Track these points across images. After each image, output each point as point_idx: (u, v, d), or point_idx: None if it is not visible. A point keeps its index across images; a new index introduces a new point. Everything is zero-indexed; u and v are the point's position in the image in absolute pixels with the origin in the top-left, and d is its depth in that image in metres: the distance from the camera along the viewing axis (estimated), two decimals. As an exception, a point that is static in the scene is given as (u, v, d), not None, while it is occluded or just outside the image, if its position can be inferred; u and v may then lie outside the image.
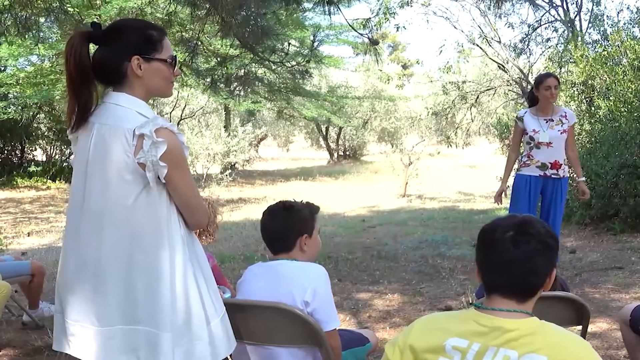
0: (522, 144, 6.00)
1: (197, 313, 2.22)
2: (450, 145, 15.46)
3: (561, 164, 5.82)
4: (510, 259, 1.82)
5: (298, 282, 2.67)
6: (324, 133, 28.71)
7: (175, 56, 2.34)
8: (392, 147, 26.36)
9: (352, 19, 6.83)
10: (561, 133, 5.76)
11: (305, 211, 2.92)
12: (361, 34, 6.37)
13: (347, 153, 29.72)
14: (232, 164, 19.00)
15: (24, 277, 5.33)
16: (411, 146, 17.86)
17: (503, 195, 6.20)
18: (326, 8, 5.52)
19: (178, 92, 17.61)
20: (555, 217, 5.87)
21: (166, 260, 2.16)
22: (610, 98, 9.21)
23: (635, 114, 8.82)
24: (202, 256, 2.33)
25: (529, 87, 12.08)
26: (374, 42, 6.08)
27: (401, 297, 6.00)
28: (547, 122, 5.79)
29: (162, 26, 2.46)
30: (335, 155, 29.11)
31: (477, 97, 13.82)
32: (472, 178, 19.82)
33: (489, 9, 11.77)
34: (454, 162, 22.06)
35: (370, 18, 8.25)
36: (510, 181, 6.30)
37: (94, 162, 2.18)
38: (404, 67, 44.54)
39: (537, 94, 5.80)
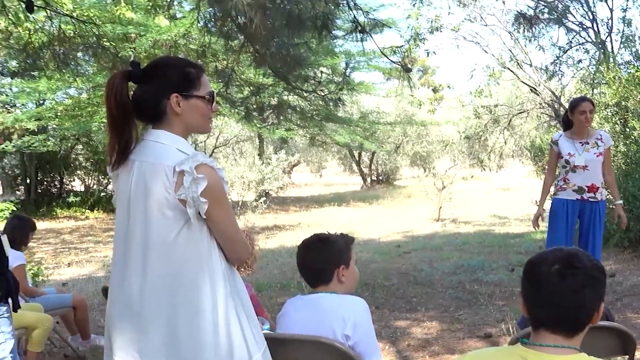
0: (558, 167, 5.95)
1: (240, 348, 2.21)
2: (484, 169, 15.35)
3: (598, 187, 5.74)
4: (557, 293, 1.79)
5: (338, 315, 2.66)
6: (357, 158, 28.75)
7: (214, 92, 2.36)
8: (425, 171, 26.28)
9: (383, 46, 6.88)
10: (597, 156, 5.69)
11: (341, 242, 2.91)
12: (394, 62, 6.39)
13: (380, 178, 29.72)
14: (266, 191, 19.10)
15: (65, 310, 5.47)
16: (444, 170, 17.76)
17: (540, 219, 6.13)
18: (358, 36, 5.58)
19: (213, 121, 17.78)
20: (594, 242, 5.77)
21: (208, 296, 2.16)
22: (646, 119, 9.11)
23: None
24: (243, 290, 2.31)
25: (562, 109, 12.03)
26: (407, 69, 6.11)
27: (439, 324, 5.95)
28: (582, 145, 5.74)
29: (200, 63, 2.50)
30: (369, 180, 29.10)
31: (510, 121, 13.74)
32: (506, 201, 19.63)
33: (520, 32, 11.76)
34: (487, 186, 21.91)
35: (401, 45, 8.30)
36: (548, 205, 6.23)
37: (135, 200, 2.19)
38: (434, 90, 44.48)
39: (572, 117, 5.75)
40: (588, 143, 5.73)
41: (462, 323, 5.93)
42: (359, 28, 5.55)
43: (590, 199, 5.72)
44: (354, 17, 5.54)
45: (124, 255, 2.22)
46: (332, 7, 5.61)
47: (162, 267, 2.16)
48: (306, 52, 6.72)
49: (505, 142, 14.50)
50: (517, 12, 9.11)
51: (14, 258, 5.19)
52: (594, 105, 5.76)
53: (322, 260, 2.84)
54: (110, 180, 19.59)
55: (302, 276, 2.96)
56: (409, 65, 6.84)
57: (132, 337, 2.18)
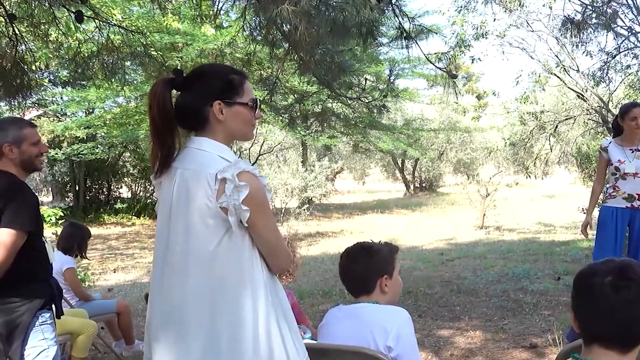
0: (607, 175, 5.83)
1: (280, 358, 2.17)
2: (529, 176, 15.12)
3: None
4: (612, 307, 1.70)
5: (381, 326, 2.61)
6: (400, 165, 28.66)
7: (257, 99, 2.33)
8: (468, 178, 26.05)
9: (427, 53, 6.85)
10: None
11: (385, 251, 2.86)
12: (440, 68, 6.35)
13: (424, 185, 29.59)
14: (309, 198, 19.17)
15: (110, 315, 5.57)
16: (488, 177, 17.59)
17: (588, 228, 6.01)
18: (404, 42, 5.57)
19: (257, 128, 17.97)
20: (645, 252, 5.65)
21: (249, 306, 2.11)
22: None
23: None
24: (284, 300, 2.26)
25: (610, 115, 11.77)
26: (452, 76, 6.06)
27: (483, 333, 5.88)
28: (632, 152, 5.61)
29: (243, 70, 2.51)
30: (412, 187, 28.99)
31: (556, 127, 13.52)
32: (551, 208, 19.35)
33: (567, 37, 11.56)
34: (532, 193, 21.62)
35: (446, 51, 8.25)
36: (596, 213, 6.12)
37: (177, 208, 2.17)
38: (478, 97, 44.04)
39: (622, 124, 5.63)
40: (639, 150, 5.61)
41: (506, 333, 5.85)
42: (405, 34, 5.54)
43: None
44: (400, 23, 5.53)
45: (163, 264, 2.21)
46: (377, 14, 5.61)
47: (203, 276, 2.13)
48: (351, 59, 6.72)
49: (551, 149, 14.25)
50: (565, 16, 8.94)
51: (64, 262, 5.34)
52: (645, 112, 5.63)
53: (365, 269, 2.80)
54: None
55: (345, 285, 2.94)
56: (454, 72, 6.78)
57: (172, 346, 2.17)
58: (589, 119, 12.97)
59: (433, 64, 6.47)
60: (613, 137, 5.86)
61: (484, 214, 15.44)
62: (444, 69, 6.18)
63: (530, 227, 15.21)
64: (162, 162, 2.21)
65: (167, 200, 2.21)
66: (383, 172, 34.85)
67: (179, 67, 2.40)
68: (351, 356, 2.59)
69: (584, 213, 10.48)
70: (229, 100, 2.22)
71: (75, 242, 5.44)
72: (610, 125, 6.18)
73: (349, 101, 8.77)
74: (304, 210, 17.69)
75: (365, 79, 7.85)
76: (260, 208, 2.13)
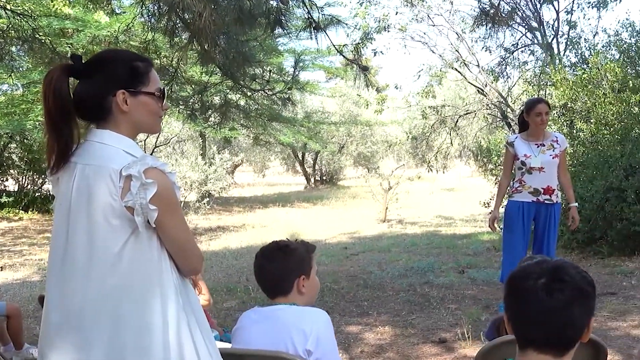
0: (514, 169, 5.89)
1: None
2: (431, 170, 15.39)
3: (554, 190, 5.70)
4: (545, 310, 1.65)
5: (299, 329, 2.49)
6: (300, 158, 28.57)
7: (164, 89, 2.17)
8: (369, 171, 26.31)
9: (328, 45, 6.72)
10: (553, 158, 5.65)
11: (302, 250, 2.73)
12: (351, 61, 6.23)
13: (324, 178, 29.64)
14: (209, 191, 18.78)
15: (-1, 320, 5.13)
16: (390, 170, 17.76)
17: (496, 222, 6.06)
18: (313, 33, 5.40)
19: (162, 120, 17.35)
20: (549, 244, 5.76)
21: (158, 312, 1.97)
22: (591, 121, 9.19)
23: (617, 137, 8.81)
24: (195, 302, 2.14)
25: (509, 110, 12.12)
26: (363, 68, 5.96)
27: (392, 329, 5.82)
28: (538, 146, 5.69)
29: (149, 57, 2.28)
30: (312, 180, 28.97)
31: (457, 121, 13.78)
32: (451, 201, 19.82)
33: (466, 32, 11.81)
34: (431, 186, 22.04)
35: (357, 42, 8.15)
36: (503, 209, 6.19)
37: (77, 206, 1.99)
38: (378, 90, 44.67)
39: (528, 119, 5.70)
40: (544, 145, 5.69)
41: (415, 328, 5.81)
42: (314, 25, 5.36)
43: (546, 201, 5.69)
44: (309, 13, 5.35)
45: (62, 267, 2.01)
46: (283, 4, 5.42)
47: (107, 279, 1.96)
48: (255, 49, 6.50)
49: (452, 143, 14.55)
50: (480, 9, 9.08)
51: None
52: (550, 107, 5.73)
53: (281, 269, 2.66)
54: (45, 180, 19.08)
55: (260, 285, 2.78)
56: (366, 65, 6.68)
57: (71, 355, 1.98)
58: (488, 113, 13.29)
59: (344, 56, 6.37)
60: (519, 132, 5.93)
61: (387, 207, 15.54)
62: (355, 61, 6.05)
63: (432, 220, 15.45)
64: (59, 156, 2.02)
65: (65, 199, 2.03)
66: (283, 165, 34.74)
67: (70, 54, 2.12)
68: (269, 361, 2.44)
69: (486, 207, 10.81)
70: (134, 90, 2.07)
71: None
72: (509, 121, 6.28)
73: (253, 93, 8.50)
74: (204, 204, 17.29)
75: (270, 70, 7.61)
76: (169, 207, 2.00)
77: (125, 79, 2.05)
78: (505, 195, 6.17)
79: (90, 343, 1.95)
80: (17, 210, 18.40)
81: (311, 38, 5.44)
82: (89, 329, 1.96)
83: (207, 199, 17.77)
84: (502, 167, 6.50)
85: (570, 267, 1.72)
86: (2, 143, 19.50)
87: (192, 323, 2.06)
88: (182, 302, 2.04)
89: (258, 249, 2.82)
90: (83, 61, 2.08)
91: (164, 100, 2.17)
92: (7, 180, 21.51)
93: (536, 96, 9.21)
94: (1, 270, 10.59)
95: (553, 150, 5.66)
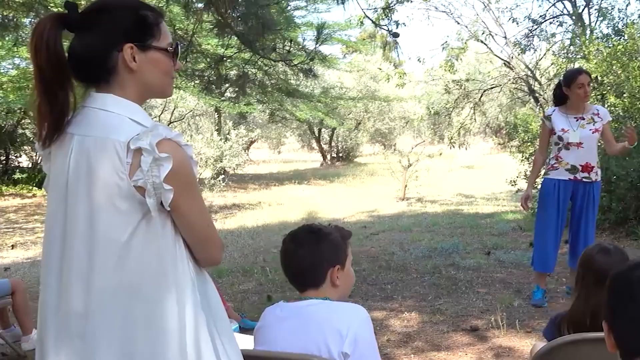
0: (550, 145, 5.50)
1: None
2: (454, 146, 14.96)
3: (593, 167, 5.30)
4: None
5: (334, 328, 2.14)
6: (317, 135, 28.17)
7: (178, 44, 1.85)
8: (385, 148, 25.88)
9: (349, 17, 6.35)
10: (593, 132, 5.26)
11: (336, 236, 2.36)
12: (381, 27, 5.85)
13: (341, 155, 29.21)
14: (224, 168, 18.50)
15: (5, 300, 4.84)
16: (410, 147, 17.34)
17: (528, 200, 5.68)
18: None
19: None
20: (587, 226, 5.37)
21: (173, 312, 1.66)
22: (624, 95, 8.75)
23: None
24: (214, 298, 1.82)
25: (537, 84, 11.67)
26: (394, 35, 5.60)
27: (419, 315, 5.49)
28: (577, 120, 5.30)
29: (158, 7, 1.92)
30: (329, 157, 28.60)
31: (481, 96, 13.32)
32: (471, 179, 19.38)
33: (492, 2, 11.33)
34: (450, 164, 21.61)
35: (386, 8, 7.70)
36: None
37: (75, 186, 1.66)
38: (395, 66, 44.22)
39: (568, 92, 5.29)
40: (584, 119, 5.30)
41: (443, 314, 5.48)
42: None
43: (584, 179, 5.30)
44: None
45: (60, 261, 1.68)
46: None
47: (113, 275, 1.64)
48: (277, 16, 6.15)
49: (475, 119, 14.11)
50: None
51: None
52: (591, 78, 5.32)
53: (313, 256, 2.30)
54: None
55: (287, 276, 2.41)
56: (397, 32, 6.28)
57: None
58: (515, 87, 12.81)
59: (375, 23, 5.96)
60: (555, 106, 5.55)
61: (406, 185, 15.16)
62: (385, 28, 5.68)
63: (452, 199, 15.07)
64: (53, 126, 1.70)
65: (60, 177, 1.71)
66: (299, 142, 34.36)
67: (65, 1, 1.77)
68: (297, 366, 2.11)
69: (513, 185, 10.43)
70: (143, 44, 1.73)
71: None
72: (536, 95, 5.89)
73: (272, 64, 8.12)
74: (219, 181, 17.01)
75: (291, 41, 7.22)
76: (186, 187, 1.69)
77: (133, 30, 1.72)
78: (541, 173, 5.81)
79: (94, 352, 1.65)
80: (31, 187, 18.23)
81: (338, 4, 5.06)
82: (96, 337, 1.65)
83: (223, 175, 17.50)
84: (534, 143, 6.10)
85: None
86: (15, 119, 19.30)
87: (210, 322, 1.76)
88: (201, 299, 1.74)
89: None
90: (79, 10, 1.73)
91: (177, 58, 1.83)
92: (20, 156, 21.37)
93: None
94: (12, 248, 10.38)
95: (594, 124, 5.28)
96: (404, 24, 11.85)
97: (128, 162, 1.61)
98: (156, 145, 1.61)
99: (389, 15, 6.66)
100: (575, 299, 2.66)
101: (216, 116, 22.47)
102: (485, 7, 11.84)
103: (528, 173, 9.69)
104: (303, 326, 2.20)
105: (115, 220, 1.63)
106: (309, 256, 2.31)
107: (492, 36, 12.18)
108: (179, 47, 1.87)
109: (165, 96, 1.92)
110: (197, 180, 1.84)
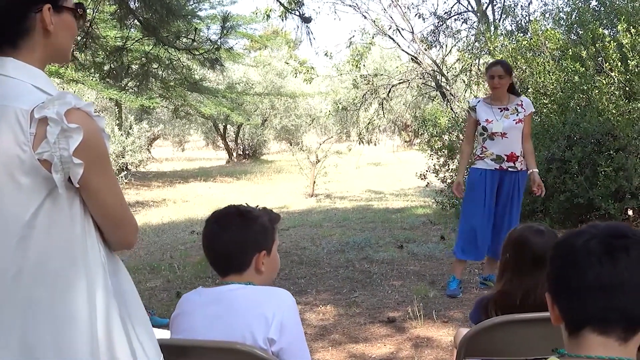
0: (476, 135, 5.53)
1: None
2: (362, 143, 14.99)
3: (518, 156, 5.39)
4: (609, 279, 1.26)
5: (259, 314, 2.01)
6: (222, 132, 27.66)
7: (83, 5, 1.69)
8: (291, 145, 25.73)
9: (254, 9, 6.16)
10: (516, 123, 5.34)
11: (265, 220, 2.22)
12: (292, 11, 5.66)
13: (247, 152, 28.81)
14: (127, 164, 17.85)
15: None
16: (318, 144, 17.26)
17: (460, 188, 5.69)
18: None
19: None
20: (512, 214, 5.47)
21: (83, 299, 1.54)
22: (529, 90, 8.94)
23: (556, 106, 8.58)
24: (128, 286, 1.69)
25: (443, 79, 11.83)
26: (306, 20, 5.42)
27: (335, 308, 5.39)
28: (501, 111, 5.37)
29: None
30: (235, 154, 28.16)
31: (389, 91, 13.39)
32: (378, 176, 19.54)
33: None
34: (357, 160, 21.73)
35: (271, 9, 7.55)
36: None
37: None
38: (300, 64, 44.39)
39: (487, 82, 5.36)
40: (507, 109, 5.38)
41: (359, 306, 5.40)
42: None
43: (509, 169, 5.38)
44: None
45: None
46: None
47: (14, 257, 1.50)
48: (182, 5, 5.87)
49: (384, 114, 14.18)
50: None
51: None
52: (505, 70, 5.35)
53: (239, 240, 2.15)
54: None
55: (209, 259, 2.22)
56: (310, 17, 6.12)
57: None
58: (422, 83, 12.94)
59: (286, 8, 5.76)
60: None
61: (314, 182, 15.07)
62: (297, 13, 5.50)
63: (361, 195, 15.09)
64: None
65: None
66: (204, 139, 33.69)
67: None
68: (219, 354, 1.99)
69: (422, 179, 10.49)
70: (57, 4, 1.60)
71: None
72: (443, 90, 5.94)
73: (177, 53, 7.77)
74: (121, 177, 16.40)
75: (195, 29, 6.90)
76: (98, 161, 1.55)
77: None
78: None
79: None
80: None
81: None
82: None
83: (125, 172, 16.89)
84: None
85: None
86: None
87: (124, 311, 1.63)
88: (112, 285, 1.62)
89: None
90: None
91: (83, 22, 1.70)
92: None
93: (470, 65, 8.83)
94: None
95: (517, 115, 5.36)
96: (310, 17, 11.77)
97: (31, 133, 1.46)
98: (64, 115, 1.46)
99: (299, 2, 6.48)
100: (505, 281, 2.56)
101: (117, 111, 21.67)
102: (392, 2, 11.90)
103: (437, 167, 9.81)
104: (225, 312, 2.05)
105: (16, 197, 1.49)
106: (235, 241, 2.15)
107: (400, 31, 12.29)
108: (85, 10, 1.71)
109: (66, 61, 1.77)
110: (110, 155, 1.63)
